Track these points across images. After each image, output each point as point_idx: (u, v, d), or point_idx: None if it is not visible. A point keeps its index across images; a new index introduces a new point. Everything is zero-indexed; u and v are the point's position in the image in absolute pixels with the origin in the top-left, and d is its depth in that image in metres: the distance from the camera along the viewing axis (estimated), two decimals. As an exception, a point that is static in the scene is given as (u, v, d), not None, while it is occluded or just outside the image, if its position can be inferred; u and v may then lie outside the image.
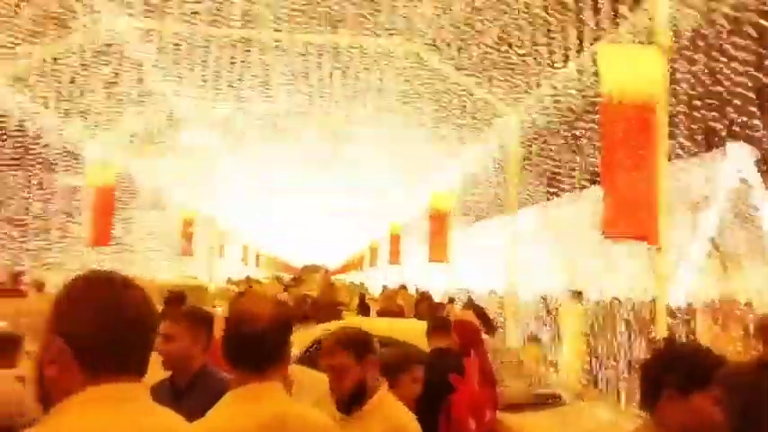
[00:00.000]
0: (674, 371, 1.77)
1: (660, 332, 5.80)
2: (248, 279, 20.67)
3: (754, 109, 6.47)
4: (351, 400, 2.44)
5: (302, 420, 1.76)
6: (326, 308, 6.69)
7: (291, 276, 32.24)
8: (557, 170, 10.44)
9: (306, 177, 19.37)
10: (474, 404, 3.36)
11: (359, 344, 2.51)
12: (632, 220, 6.96)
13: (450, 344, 3.82)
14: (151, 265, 18.95)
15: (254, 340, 1.78)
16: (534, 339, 10.39)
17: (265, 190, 21.52)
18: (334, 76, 12.00)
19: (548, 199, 11.13)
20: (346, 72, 11.92)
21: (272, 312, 1.85)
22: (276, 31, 10.45)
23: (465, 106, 12.62)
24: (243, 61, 11.34)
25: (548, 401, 5.31)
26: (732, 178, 14.09)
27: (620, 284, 11.81)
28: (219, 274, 24.61)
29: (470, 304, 11.18)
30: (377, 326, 6.16)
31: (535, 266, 13.85)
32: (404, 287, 14.02)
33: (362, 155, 16.90)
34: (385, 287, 14.24)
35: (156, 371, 2.60)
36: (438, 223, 13.50)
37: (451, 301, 12.78)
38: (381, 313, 8.21)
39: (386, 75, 12.69)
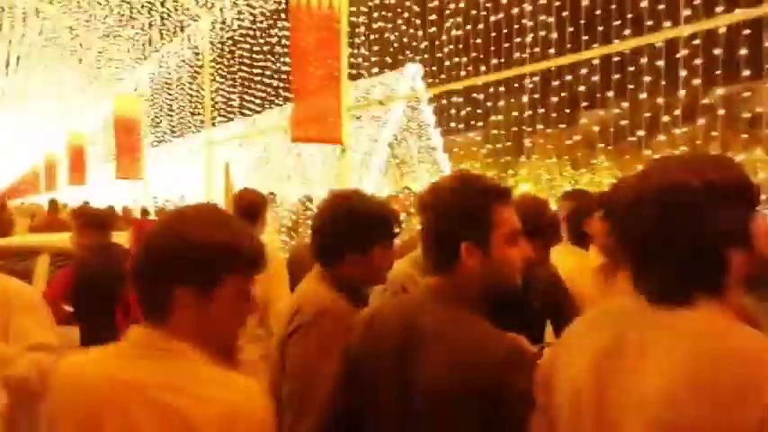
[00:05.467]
0: (357, 229, 1.88)
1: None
2: None
3: (420, 32, 7.32)
4: None
5: None
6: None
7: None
8: (254, 77, 10.43)
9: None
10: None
11: None
12: (319, 124, 7.46)
13: (102, 240, 3.58)
14: None
15: None
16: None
17: None
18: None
19: (242, 106, 11.11)
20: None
21: None
22: None
23: (153, 4, 11.58)
24: None
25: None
26: (406, 93, 15.99)
27: (312, 186, 12.73)
28: None
29: (162, 213, 10.81)
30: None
31: (233, 172, 13.94)
32: (86, 203, 12.61)
33: (26, 53, 14.31)
34: (52, 201, 12.53)
35: None
36: (126, 133, 12.32)
37: (145, 212, 12.12)
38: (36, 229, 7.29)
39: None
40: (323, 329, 1.77)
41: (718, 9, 4.03)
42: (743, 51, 3.99)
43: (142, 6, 11.56)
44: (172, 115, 14.26)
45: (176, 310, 1.15)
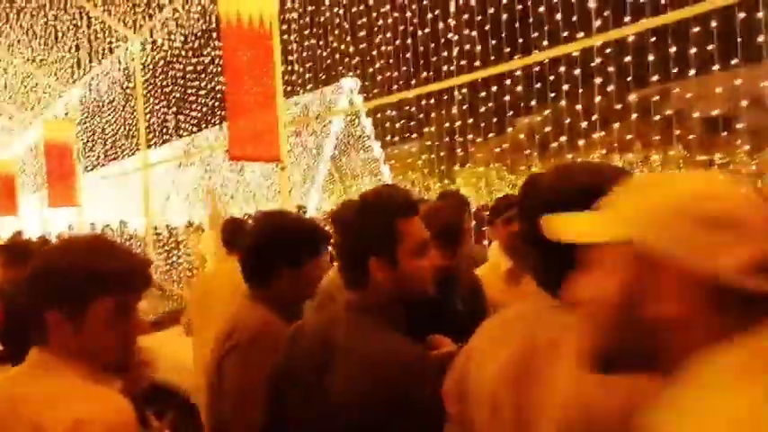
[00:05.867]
0: (286, 247, 1.92)
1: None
2: None
3: (352, 48, 7.39)
4: None
5: None
6: None
7: None
8: (188, 98, 10.29)
9: None
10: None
11: None
12: (256, 142, 7.43)
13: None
14: None
15: None
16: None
17: None
18: None
19: (178, 127, 10.93)
20: None
21: None
22: None
23: (79, 27, 11.27)
24: None
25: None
26: (344, 107, 16.09)
27: (255, 204, 12.62)
28: None
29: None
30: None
31: (175, 195, 13.66)
32: (19, 233, 12.12)
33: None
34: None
35: None
36: (58, 158, 11.89)
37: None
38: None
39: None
40: (258, 349, 1.80)
41: (627, 19, 4.29)
42: (651, 57, 4.26)
43: (68, 29, 11.24)
44: (105, 138, 13.88)
45: (52, 332, 1.26)
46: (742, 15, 3.87)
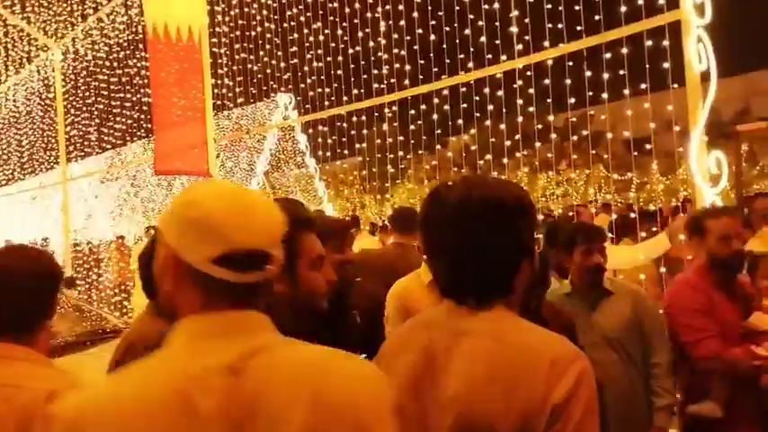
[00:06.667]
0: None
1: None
2: None
3: (296, 61, 7.37)
4: None
5: None
6: None
7: None
8: (112, 110, 9.94)
9: None
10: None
11: None
12: (184, 155, 7.26)
13: None
14: None
15: None
16: (71, 283, 9.91)
17: None
18: None
19: (101, 140, 10.52)
20: None
21: None
22: None
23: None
24: None
25: (107, 337, 5.29)
26: (280, 122, 15.95)
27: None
28: None
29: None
30: None
31: (98, 210, 13.09)
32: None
33: None
34: None
35: None
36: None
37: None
38: None
39: None
40: None
41: (546, 43, 4.51)
42: (568, 81, 4.49)
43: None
44: (22, 151, 13.17)
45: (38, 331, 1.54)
46: (649, 43, 4.14)
